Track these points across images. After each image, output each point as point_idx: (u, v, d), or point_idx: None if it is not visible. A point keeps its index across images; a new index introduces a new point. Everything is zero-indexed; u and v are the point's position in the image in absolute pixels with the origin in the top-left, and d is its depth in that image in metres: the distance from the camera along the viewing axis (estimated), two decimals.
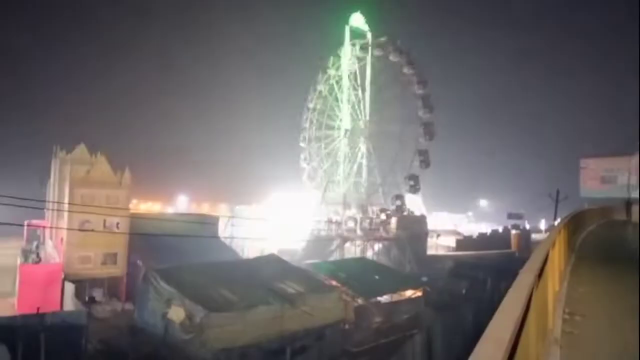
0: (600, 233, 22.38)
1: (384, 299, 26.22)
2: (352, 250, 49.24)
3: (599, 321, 7.20)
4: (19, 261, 31.34)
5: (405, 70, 51.69)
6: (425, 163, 50.15)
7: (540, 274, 4.74)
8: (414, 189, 51.04)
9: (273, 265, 25.76)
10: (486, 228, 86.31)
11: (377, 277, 28.40)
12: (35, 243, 39.24)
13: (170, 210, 76.80)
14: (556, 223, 28.68)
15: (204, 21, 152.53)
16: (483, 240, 55.59)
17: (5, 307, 24.81)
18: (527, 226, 69.11)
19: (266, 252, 40.42)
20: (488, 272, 30.06)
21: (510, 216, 61.78)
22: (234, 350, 16.99)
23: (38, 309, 17.92)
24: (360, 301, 24.31)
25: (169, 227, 30.11)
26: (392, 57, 52.99)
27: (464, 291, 28.63)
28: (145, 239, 28.54)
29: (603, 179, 48.37)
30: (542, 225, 77.14)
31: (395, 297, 26.71)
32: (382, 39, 54.88)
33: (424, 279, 31.61)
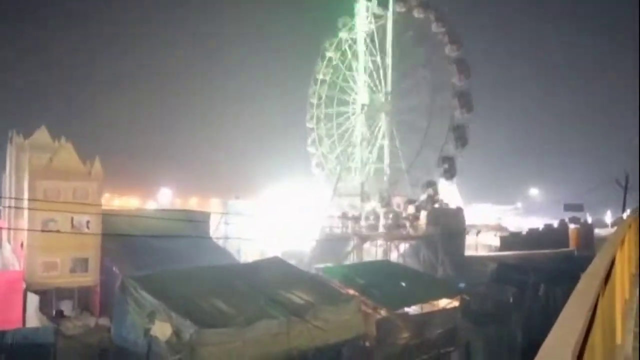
0: None
1: (413, 310, 26.33)
2: (373, 252, 49.38)
3: None
4: None
5: (434, 28, 51.03)
6: (462, 141, 49.66)
7: (607, 278, 4.70)
8: (449, 174, 50.72)
9: (276, 270, 25.89)
10: (538, 222, 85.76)
11: (403, 283, 28.43)
12: None
13: (151, 205, 77.42)
14: (625, 215, 28.39)
15: None
16: (534, 237, 55.28)
17: None
18: (589, 219, 68.61)
19: (268, 255, 40.70)
20: (541, 275, 29.98)
21: (568, 207, 61.25)
22: None
23: None
24: (383, 313, 24.36)
25: (150, 226, 30.46)
26: (417, 13, 52.39)
27: (510, 299, 28.60)
28: (122, 240, 28.90)
29: None
30: (608, 218, 76.55)
31: (426, 307, 26.78)
32: None
33: (462, 285, 31.57)
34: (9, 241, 36.69)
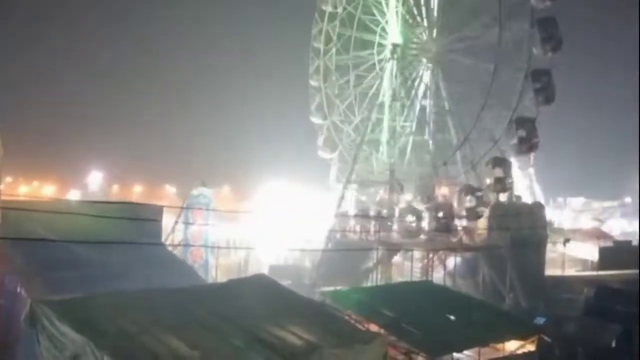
0: None
1: (466, 356, 26.43)
2: (407, 269, 49.47)
3: None
4: None
5: None
6: (547, 93, 48.87)
7: None
8: (526, 145, 50.07)
9: (262, 294, 25.98)
10: None
11: (452, 317, 28.52)
12: None
13: (74, 195, 77.81)
14: None
15: None
16: None
17: None
18: None
19: (250, 272, 40.74)
20: None
21: None
22: None
23: None
24: None
25: (73, 227, 30.48)
26: None
27: (613, 343, 28.60)
28: (31, 247, 28.94)
29: None
30: None
31: (487, 352, 26.88)
32: None
33: (540, 320, 31.66)
34: None
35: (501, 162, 50.21)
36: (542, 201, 56.51)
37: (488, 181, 50.42)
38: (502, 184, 49.91)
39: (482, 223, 49.11)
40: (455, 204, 51.43)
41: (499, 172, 49.94)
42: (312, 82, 61.80)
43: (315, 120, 62.14)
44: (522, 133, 49.34)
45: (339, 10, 60.12)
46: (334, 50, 60.61)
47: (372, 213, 53.55)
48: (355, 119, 59.71)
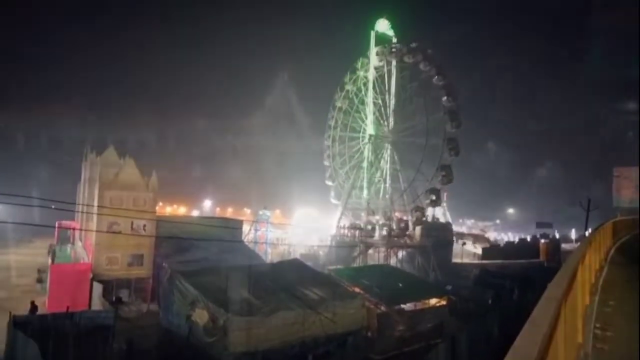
0: (634, 245, 21.61)
1: (408, 307, 25.94)
2: (375, 257, 48.94)
3: (631, 336, 6.98)
4: (49, 261, 32.35)
5: (423, 66, 51.63)
6: (455, 150, 49.53)
7: (570, 287, 4.65)
8: (447, 179, 49.92)
9: (296, 270, 25.84)
10: (513, 237, 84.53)
11: (400, 284, 28.13)
12: (68, 245, 40.51)
13: (195, 213, 78.04)
14: (587, 233, 27.89)
15: (234, 28, 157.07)
16: (510, 249, 54.48)
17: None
18: (557, 235, 67.40)
19: (289, 257, 40.60)
20: (515, 281, 29.46)
21: (539, 225, 60.46)
22: (256, 354, 17.12)
23: (67, 308, 18.44)
24: (383, 308, 24.12)
25: (194, 230, 30.63)
26: (407, 59, 53.23)
27: (489, 301, 28.10)
28: (170, 241, 29.13)
29: (638, 188, 46.69)
30: (573, 234, 75.15)
31: (419, 305, 26.38)
32: (413, 45, 54.65)
33: (449, 287, 31.14)
34: (80, 239, 37.22)
35: (434, 190, 50.46)
36: (450, 221, 55.98)
37: (426, 201, 50.45)
38: (436, 202, 50.26)
39: (418, 232, 48.71)
40: (409, 219, 51.30)
41: (434, 196, 50.22)
42: (326, 142, 62.15)
43: (328, 182, 62.17)
44: (443, 173, 49.83)
45: (344, 106, 61.04)
46: (338, 128, 61.14)
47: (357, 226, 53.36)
48: (346, 167, 59.83)
